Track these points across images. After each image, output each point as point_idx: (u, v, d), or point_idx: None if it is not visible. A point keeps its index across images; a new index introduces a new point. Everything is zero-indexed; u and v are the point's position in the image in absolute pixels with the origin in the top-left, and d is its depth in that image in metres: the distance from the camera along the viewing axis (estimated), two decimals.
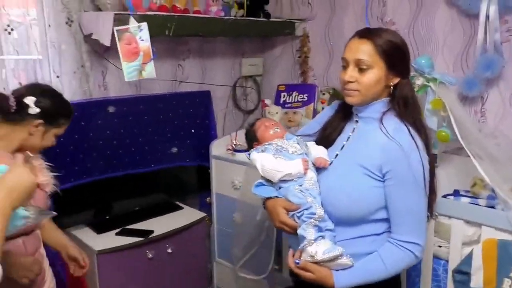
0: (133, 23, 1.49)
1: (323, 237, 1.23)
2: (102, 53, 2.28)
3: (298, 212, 1.26)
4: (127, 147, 2.21)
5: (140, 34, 1.48)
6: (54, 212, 1.21)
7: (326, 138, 1.40)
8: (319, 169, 1.35)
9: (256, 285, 2.34)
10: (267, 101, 2.73)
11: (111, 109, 2.12)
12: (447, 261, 1.71)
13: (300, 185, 1.29)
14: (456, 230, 1.67)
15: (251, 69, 3.02)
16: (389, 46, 1.23)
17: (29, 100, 1.35)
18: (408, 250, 1.22)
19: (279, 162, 1.31)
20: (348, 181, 1.25)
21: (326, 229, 1.25)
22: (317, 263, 1.22)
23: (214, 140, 2.53)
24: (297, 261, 1.25)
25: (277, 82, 2.95)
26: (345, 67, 1.27)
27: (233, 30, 2.46)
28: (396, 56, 1.24)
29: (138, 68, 1.52)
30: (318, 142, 1.41)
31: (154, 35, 2.15)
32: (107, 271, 1.98)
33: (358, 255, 1.24)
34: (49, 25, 2.05)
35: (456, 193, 1.89)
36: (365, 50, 1.22)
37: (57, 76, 2.11)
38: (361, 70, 1.23)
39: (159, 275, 2.18)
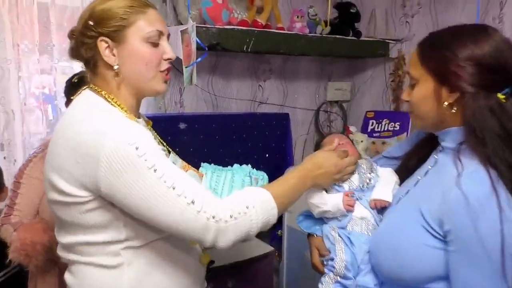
0: (190, 23, 1.37)
1: None
2: (182, 69, 2.23)
3: (325, 260, 1.06)
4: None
5: (192, 35, 1.35)
6: None
7: (406, 165, 1.12)
8: (384, 208, 1.08)
9: None
10: (352, 128, 2.46)
11: (182, 125, 2.03)
12: None
13: (343, 227, 1.07)
14: None
15: (337, 93, 2.78)
16: (432, 49, 0.93)
17: None
18: None
19: (321, 194, 1.10)
20: (398, 232, 0.95)
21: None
22: None
23: (290, 166, 2.31)
24: None
25: (366, 108, 2.67)
26: None
27: (318, 49, 2.26)
28: (444, 62, 0.90)
29: (190, 73, 1.39)
30: (397, 170, 1.14)
31: (232, 50, 2.05)
32: None
33: None
34: None
35: None
36: (412, 61, 0.97)
37: None
38: (411, 87, 0.98)
39: None
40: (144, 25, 0.98)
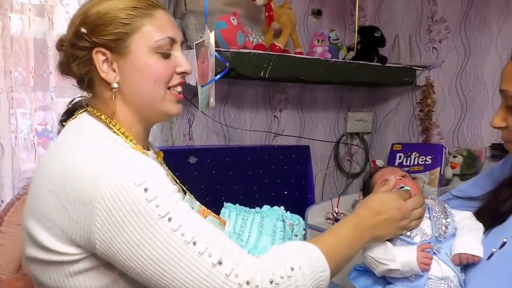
0: (207, 33, 1.18)
1: None
2: (191, 98, 2.03)
3: None
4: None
5: (210, 48, 1.16)
6: None
7: (495, 208, 0.87)
8: (470, 265, 0.84)
9: None
10: (379, 162, 2.23)
11: (192, 159, 1.81)
12: None
13: None
14: None
15: (358, 125, 2.57)
16: None
17: None
18: None
19: (386, 246, 0.86)
20: None
21: None
22: None
23: (312, 205, 2.06)
24: None
25: (390, 141, 2.45)
26: None
27: (340, 75, 2.07)
28: None
29: (207, 93, 1.18)
30: (478, 214, 0.90)
31: (248, 76, 1.86)
32: None
33: None
34: None
35: None
36: (509, 75, 0.78)
37: None
38: (509, 109, 0.79)
39: None
40: (152, 31, 0.78)
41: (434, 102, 2.27)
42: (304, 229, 0.98)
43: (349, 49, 2.15)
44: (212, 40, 1.19)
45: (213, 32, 1.21)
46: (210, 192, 1.88)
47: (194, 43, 1.24)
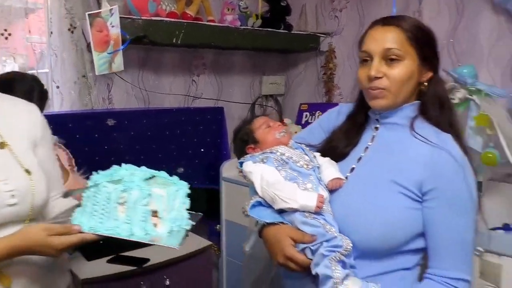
0: (105, 7, 1.30)
1: (348, 275, 0.95)
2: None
3: (312, 245, 0.97)
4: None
5: (111, 20, 1.28)
6: None
7: (334, 151, 1.13)
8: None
9: None
10: (287, 121, 2.49)
11: (110, 122, 1.94)
12: None
13: (311, 211, 1.02)
14: (509, 271, 1.38)
15: (272, 87, 2.80)
16: (419, 31, 1.02)
17: None
18: None
19: (288, 186, 1.03)
20: (378, 202, 0.99)
21: (350, 266, 0.98)
22: None
23: (226, 161, 2.30)
24: None
25: (300, 101, 2.71)
26: (366, 61, 1.03)
27: (250, 42, 2.26)
28: (427, 44, 1.04)
29: (108, 59, 1.31)
30: (322, 154, 1.15)
31: (161, 43, 2.00)
32: None
33: None
34: (51, 32, 1.93)
35: (506, 227, 1.56)
36: (393, 38, 1.00)
37: (57, 87, 1.98)
38: (390, 63, 1.00)
39: None
40: None
41: (336, 66, 2.54)
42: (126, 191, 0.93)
43: (259, 16, 2.34)
44: (114, 13, 1.32)
45: (115, 6, 1.33)
46: (128, 151, 2.05)
47: (87, 13, 1.35)
